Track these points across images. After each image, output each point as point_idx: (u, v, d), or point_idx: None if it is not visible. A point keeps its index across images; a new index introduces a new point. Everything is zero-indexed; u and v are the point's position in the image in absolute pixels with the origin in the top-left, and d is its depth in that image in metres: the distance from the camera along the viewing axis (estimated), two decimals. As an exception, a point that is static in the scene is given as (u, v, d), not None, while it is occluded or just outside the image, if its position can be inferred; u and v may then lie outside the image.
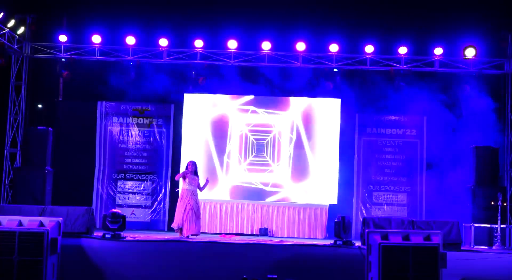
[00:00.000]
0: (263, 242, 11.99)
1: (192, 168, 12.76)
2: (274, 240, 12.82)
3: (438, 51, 14.67)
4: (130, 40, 14.82)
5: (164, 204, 14.90)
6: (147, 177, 15.32)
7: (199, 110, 15.37)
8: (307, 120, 15.26)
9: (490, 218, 13.13)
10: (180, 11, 14.76)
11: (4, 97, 15.02)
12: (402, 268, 9.05)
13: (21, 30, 14.55)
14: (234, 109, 15.37)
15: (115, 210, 11.91)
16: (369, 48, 14.70)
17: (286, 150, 15.21)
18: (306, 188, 15.07)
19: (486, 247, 12.79)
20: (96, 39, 14.85)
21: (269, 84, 15.10)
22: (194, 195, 12.65)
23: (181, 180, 12.81)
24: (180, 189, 12.99)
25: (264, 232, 14.59)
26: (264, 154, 15.22)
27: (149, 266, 10.84)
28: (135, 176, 15.36)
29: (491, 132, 14.39)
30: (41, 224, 9.47)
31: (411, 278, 9.04)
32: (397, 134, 15.30)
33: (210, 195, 14.93)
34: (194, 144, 15.24)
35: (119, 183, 15.34)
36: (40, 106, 15.83)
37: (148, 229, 14.53)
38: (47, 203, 13.97)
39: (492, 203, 13.12)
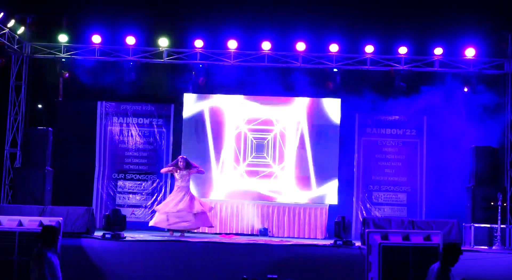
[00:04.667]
0: (263, 242, 12.01)
1: (183, 164, 13.11)
2: (274, 240, 12.83)
3: (438, 51, 14.66)
4: (130, 40, 14.81)
5: (164, 204, 14.86)
6: (147, 177, 15.33)
7: (199, 110, 15.37)
8: (307, 120, 15.26)
9: (490, 218, 13.11)
10: (180, 11, 14.75)
11: (4, 97, 15.00)
12: (402, 268, 9.07)
13: (21, 30, 14.53)
14: (234, 109, 15.36)
15: (115, 210, 11.93)
16: (369, 48, 14.69)
17: (286, 150, 15.20)
18: (306, 188, 15.07)
19: (486, 247, 12.77)
20: (96, 39, 14.84)
21: (269, 84, 15.08)
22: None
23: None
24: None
25: (264, 232, 14.58)
26: (264, 154, 15.22)
27: (149, 266, 10.85)
28: (135, 176, 15.36)
29: (491, 132, 14.38)
30: (41, 224, 9.48)
31: (411, 278, 9.06)
32: (397, 134, 15.30)
33: (210, 195, 14.94)
34: (194, 144, 15.24)
35: (119, 183, 15.34)
36: (40, 106, 15.82)
37: (148, 229, 14.53)
38: (47, 203, 13.95)
39: (492, 203, 13.11)
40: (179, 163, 13.13)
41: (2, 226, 9.39)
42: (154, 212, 15.01)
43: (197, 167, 13.37)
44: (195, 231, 13.74)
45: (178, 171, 13.11)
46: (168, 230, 13.13)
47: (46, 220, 9.62)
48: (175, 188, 13.16)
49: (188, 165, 13.16)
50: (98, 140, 15.40)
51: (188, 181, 13.18)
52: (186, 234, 12.99)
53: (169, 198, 13.25)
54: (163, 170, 13.67)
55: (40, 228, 9.33)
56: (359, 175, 15.24)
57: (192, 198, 13.04)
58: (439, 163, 14.91)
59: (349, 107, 15.18)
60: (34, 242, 9.20)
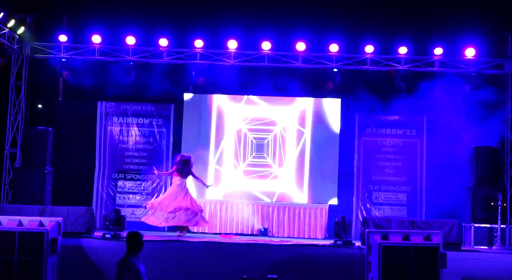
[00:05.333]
0: (263, 242, 12.00)
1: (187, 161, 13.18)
2: (274, 240, 12.83)
3: (438, 51, 14.66)
4: (130, 40, 14.81)
5: (164, 204, 14.84)
6: (147, 177, 15.32)
7: (199, 110, 15.38)
8: (307, 120, 15.27)
9: (490, 218, 13.12)
10: (180, 11, 14.74)
11: (4, 97, 15.00)
12: (402, 268, 9.06)
13: (21, 30, 14.53)
14: (234, 109, 15.37)
15: (115, 210, 11.93)
16: (369, 48, 14.69)
17: (286, 150, 15.21)
18: (306, 188, 15.07)
19: (486, 247, 12.78)
20: (96, 39, 14.84)
21: (269, 84, 15.08)
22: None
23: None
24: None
25: (264, 232, 14.59)
26: (264, 154, 15.23)
27: (149, 266, 10.82)
28: (135, 176, 15.37)
29: (491, 132, 14.38)
30: (41, 224, 9.47)
31: (411, 278, 9.05)
32: (397, 134, 15.30)
33: (210, 195, 14.93)
34: (194, 144, 15.24)
35: (119, 183, 15.34)
36: (40, 106, 15.82)
37: (148, 229, 14.50)
38: (47, 203, 13.95)
39: (492, 203, 13.11)
40: (191, 161, 13.16)
41: (2, 226, 9.38)
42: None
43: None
44: (195, 231, 13.76)
45: (184, 169, 13.08)
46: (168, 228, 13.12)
47: (46, 220, 9.62)
48: (176, 188, 13.07)
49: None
50: (98, 140, 15.40)
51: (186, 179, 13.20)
52: (187, 234, 12.97)
53: (171, 196, 13.14)
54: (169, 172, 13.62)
55: (41, 228, 9.34)
56: (359, 175, 15.24)
57: (191, 196, 13.08)
58: (439, 163, 14.91)
59: (349, 107, 15.18)
60: (34, 242, 9.23)
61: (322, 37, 14.78)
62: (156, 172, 13.59)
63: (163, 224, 12.98)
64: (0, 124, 15.03)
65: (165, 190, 15.06)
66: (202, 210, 13.38)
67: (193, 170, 13.22)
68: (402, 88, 14.77)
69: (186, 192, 13.02)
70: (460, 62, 14.73)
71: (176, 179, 13.03)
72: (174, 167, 13.12)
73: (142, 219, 13.24)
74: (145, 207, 14.11)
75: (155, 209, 12.91)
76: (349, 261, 10.79)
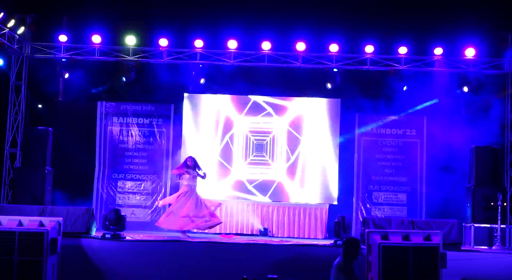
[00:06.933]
0: (263, 242, 12.01)
1: (192, 163, 13.10)
2: (274, 240, 12.85)
3: (438, 51, 14.65)
4: (130, 40, 14.80)
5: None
6: (147, 177, 15.32)
7: (199, 110, 15.38)
8: (307, 120, 15.27)
9: (490, 218, 13.13)
10: (180, 11, 14.75)
11: (4, 97, 14.99)
12: (402, 268, 9.06)
13: (21, 30, 14.53)
14: (234, 109, 15.37)
15: (115, 210, 11.94)
16: (369, 48, 14.68)
17: (286, 150, 15.21)
18: (306, 188, 15.07)
19: (486, 247, 12.79)
20: (96, 39, 14.83)
21: (269, 84, 15.09)
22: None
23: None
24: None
25: (264, 232, 14.59)
26: (264, 154, 15.23)
27: (149, 266, 10.86)
28: (135, 176, 15.36)
29: (491, 132, 14.39)
30: (41, 224, 9.48)
31: (411, 278, 9.05)
32: (397, 134, 15.30)
33: (210, 195, 14.91)
34: (194, 144, 15.25)
35: (119, 183, 15.34)
36: (40, 106, 15.81)
37: (148, 229, 14.53)
38: (47, 203, 13.96)
39: (492, 203, 13.11)
40: (187, 162, 13.13)
41: (2, 226, 9.39)
42: (154, 212, 15.02)
43: (201, 169, 13.34)
44: (195, 231, 13.75)
45: (190, 171, 13.05)
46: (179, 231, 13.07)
47: (46, 220, 9.62)
48: (185, 188, 13.06)
49: (196, 165, 13.18)
50: (98, 140, 15.40)
51: (196, 181, 13.17)
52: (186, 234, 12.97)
53: (182, 199, 13.04)
54: (174, 172, 13.56)
55: (41, 228, 9.34)
56: (359, 175, 15.24)
57: (201, 198, 13.08)
58: (439, 163, 14.91)
59: (349, 107, 15.19)
60: (34, 242, 9.23)
61: (322, 37, 14.78)
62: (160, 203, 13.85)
63: (177, 228, 12.90)
64: (0, 124, 15.02)
65: (165, 190, 15.08)
66: (219, 205, 13.54)
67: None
68: (402, 88, 14.79)
69: (196, 194, 13.00)
70: (460, 62, 14.73)
71: (186, 178, 13.03)
72: (184, 169, 13.10)
73: (157, 224, 13.21)
74: (157, 206, 14.30)
75: (168, 213, 12.90)
76: (349, 261, 10.79)
